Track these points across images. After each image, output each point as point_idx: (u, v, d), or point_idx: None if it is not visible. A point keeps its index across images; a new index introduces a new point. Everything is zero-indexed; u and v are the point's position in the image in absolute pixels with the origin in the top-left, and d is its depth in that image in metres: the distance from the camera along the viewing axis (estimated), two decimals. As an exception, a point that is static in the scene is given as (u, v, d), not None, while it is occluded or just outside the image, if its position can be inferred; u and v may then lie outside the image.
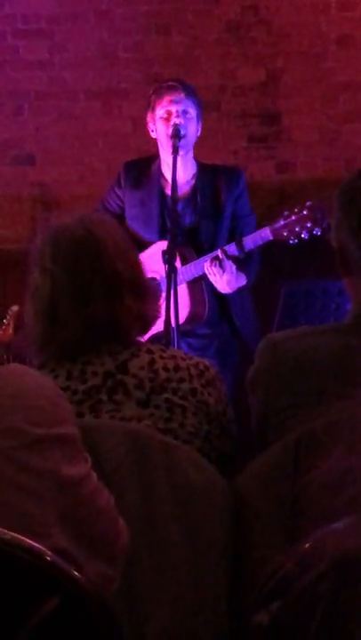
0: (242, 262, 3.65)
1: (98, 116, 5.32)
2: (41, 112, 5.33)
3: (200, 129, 3.76)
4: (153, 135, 3.78)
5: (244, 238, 3.59)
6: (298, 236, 3.54)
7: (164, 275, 3.43)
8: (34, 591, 1.29)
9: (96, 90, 5.32)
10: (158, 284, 3.63)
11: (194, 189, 3.79)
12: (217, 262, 3.55)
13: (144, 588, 1.62)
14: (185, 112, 3.66)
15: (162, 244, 3.64)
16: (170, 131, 3.61)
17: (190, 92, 3.71)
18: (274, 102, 5.25)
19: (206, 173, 3.81)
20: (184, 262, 3.65)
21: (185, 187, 3.77)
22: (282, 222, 3.56)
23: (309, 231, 3.53)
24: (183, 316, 3.56)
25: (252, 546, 1.66)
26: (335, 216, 1.88)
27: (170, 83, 3.72)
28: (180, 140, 3.60)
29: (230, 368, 3.70)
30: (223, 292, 3.65)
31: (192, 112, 3.68)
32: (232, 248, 3.59)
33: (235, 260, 3.59)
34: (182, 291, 3.58)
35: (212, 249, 3.65)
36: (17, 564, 1.28)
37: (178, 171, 3.56)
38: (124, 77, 5.29)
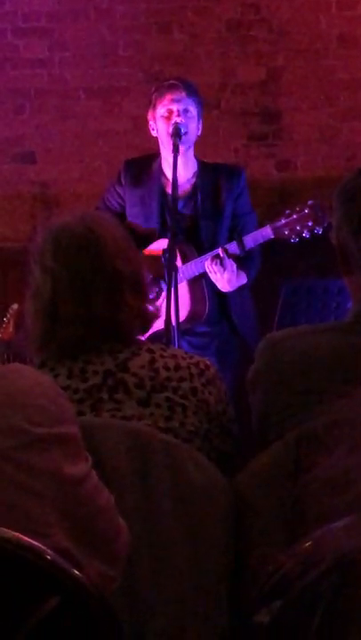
0: (242, 260, 3.65)
1: (98, 114, 5.32)
2: (41, 110, 5.33)
3: (201, 127, 3.76)
4: (154, 134, 3.78)
5: (244, 237, 3.59)
6: (299, 234, 3.54)
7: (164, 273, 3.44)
8: (34, 590, 1.29)
9: (96, 88, 5.31)
10: (159, 282, 3.63)
11: (194, 188, 3.79)
12: (218, 261, 3.56)
13: (144, 586, 1.62)
14: (186, 111, 3.66)
15: (163, 243, 3.64)
16: (170, 129, 3.62)
17: (191, 91, 3.71)
18: (274, 100, 5.25)
19: (207, 172, 3.81)
20: (185, 260, 3.65)
21: (185, 185, 3.77)
22: (283, 221, 3.56)
23: (311, 230, 3.54)
24: (183, 314, 3.56)
25: (252, 544, 1.66)
26: (335, 215, 1.88)
27: (171, 81, 3.73)
28: (180, 139, 3.60)
29: (230, 367, 3.70)
30: (224, 290, 3.66)
31: (193, 111, 3.68)
32: (233, 246, 3.60)
33: (235, 258, 3.59)
34: (183, 289, 3.59)
35: (212, 247, 3.65)
36: (18, 563, 1.28)
37: (178, 169, 3.56)
38: (125, 75, 5.29)
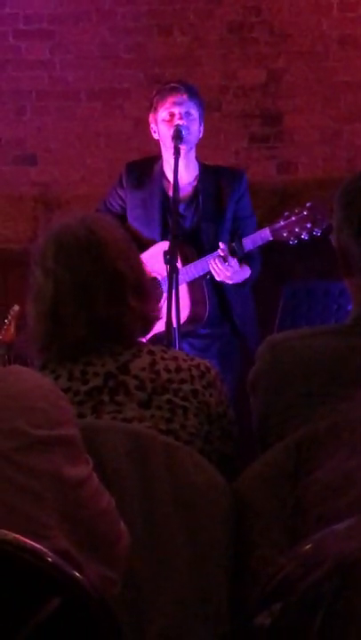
0: (242, 261, 3.65)
1: (99, 116, 5.32)
2: (42, 112, 5.33)
3: (202, 129, 3.76)
4: (155, 136, 3.78)
5: (243, 239, 3.59)
6: (298, 236, 3.54)
7: (165, 275, 3.44)
8: (35, 592, 1.29)
9: (98, 90, 5.32)
10: (159, 284, 3.63)
11: (196, 191, 3.79)
12: (221, 258, 3.56)
13: (145, 588, 1.62)
14: (188, 114, 3.66)
15: (163, 244, 3.64)
16: (172, 132, 3.62)
17: (193, 94, 3.71)
18: (275, 103, 5.25)
19: (208, 174, 3.81)
20: (185, 263, 3.65)
21: (187, 188, 3.78)
22: (282, 223, 3.56)
23: (309, 232, 3.53)
24: (183, 316, 3.56)
25: (253, 546, 1.66)
26: (336, 217, 1.88)
27: (173, 84, 3.73)
28: (181, 142, 3.60)
29: (231, 369, 3.70)
30: (229, 281, 3.65)
31: (194, 113, 3.69)
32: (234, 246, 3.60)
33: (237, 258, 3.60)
34: (183, 291, 3.59)
35: (213, 250, 3.65)
36: (18, 564, 1.28)
37: (180, 172, 3.56)
38: (126, 77, 5.29)
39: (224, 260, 3.54)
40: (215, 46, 5.26)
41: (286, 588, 1.34)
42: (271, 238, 3.57)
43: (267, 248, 3.79)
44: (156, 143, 3.81)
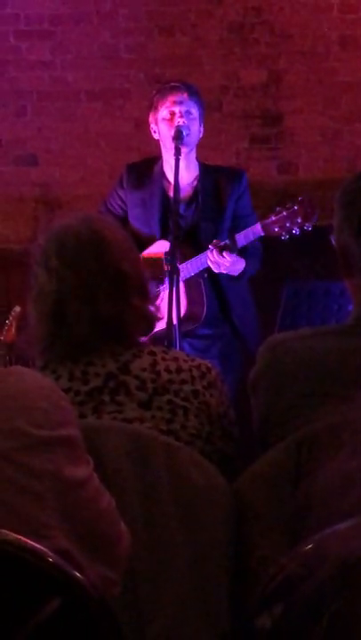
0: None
1: (100, 116, 5.33)
2: (43, 112, 5.34)
3: (203, 129, 3.76)
4: (155, 136, 3.78)
5: (236, 234, 3.59)
6: (289, 231, 3.54)
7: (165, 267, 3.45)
8: (35, 592, 1.29)
9: (98, 90, 5.32)
10: (158, 284, 3.64)
11: (196, 190, 3.80)
12: (217, 250, 3.55)
13: (145, 589, 1.62)
14: (188, 112, 3.66)
15: (163, 243, 3.64)
16: (172, 132, 3.62)
17: (193, 93, 3.71)
18: (276, 103, 5.25)
19: (208, 174, 3.81)
20: (183, 261, 3.65)
21: (187, 188, 3.78)
22: (273, 218, 3.56)
23: (300, 226, 3.53)
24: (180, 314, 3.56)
25: (253, 547, 1.66)
26: (336, 217, 1.88)
27: (173, 83, 3.73)
28: (182, 142, 3.61)
29: (232, 369, 3.70)
30: (226, 272, 3.65)
31: (195, 112, 3.69)
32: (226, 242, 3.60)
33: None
34: (180, 289, 3.59)
35: (212, 250, 3.65)
36: (19, 564, 1.28)
37: (180, 172, 3.56)
38: (127, 78, 5.30)
39: (220, 250, 3.53)
40: (216, 47, 5.26)
41: (287, 588, 1.34)
42: (263, 233, 3.57)
43: (268, 248, 3.80)
44: (157, 143, 3.81)
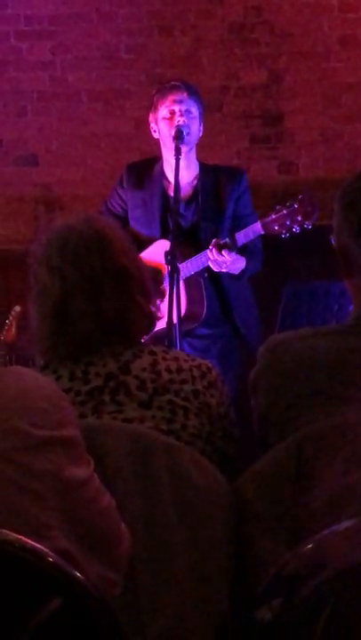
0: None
1: (100, 116, 5.33)
2: (44, 113, 5.34)
3: (202, 128, 3.77)
4: (155, 136, 3.78)
5: (236, 233, 3.59)
6: (289, 229, 3.54)
7: (165, 273, 3.45)
8: (36, 592, 1.29)
9: (99, 90, 5.32)
10: (163, 277, 3.65)
11: (196, 190, 3.80)
12: (217, 247, 3.55)
13: (145, 588, 1.62)
14: (188, 111, 3.67)
15: (163, 243, 3.65)
16: (173, 132, 3.62)
17: (193, 92, 3.72)
18: (276, 103, 5.25)
19: (208, 174, 3.81)
20: (183, 260, 3.65)
21: (187, 188, 3.78)
22: (273, 216, 3.56)
23: (300, 224, 3.54)
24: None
25: (253, 547, 1.66)
26: (336, 218, 1.88)
27: (173, 83, 3.73)
28: (182, 142, 3.61)
29: (232, 369, 3.70)
30: (229, 271, 3.65)
31: (195, 111, 3.69)
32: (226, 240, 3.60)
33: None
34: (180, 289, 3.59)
35: (212, 249, 3.65)
36: (19, 564, 1.28)
37: (180, 171, 3.57)
38: (127, 78, 5.30)
39: (220, 249, 3.53)
40: (216, 47, 5.26)
41: (288, 584, 1.34)
42: (263, 232, 3.57)
43: (268, 248, 3.80)
44: (157, 143, 3.82)
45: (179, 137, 3.61)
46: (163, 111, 3.69)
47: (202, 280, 3.74)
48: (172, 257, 3.37)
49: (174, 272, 3.34)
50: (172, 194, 3.60)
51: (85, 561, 1.37)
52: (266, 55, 5.25)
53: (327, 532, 1.38)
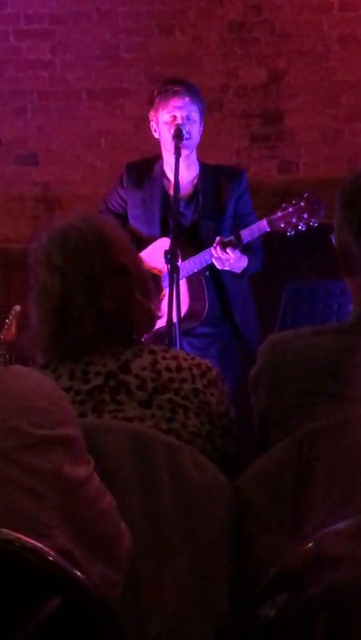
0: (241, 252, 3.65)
1: (100, 115, 5.33)
2: (43, 112, 5.34)
3: (202, 129, 3.77)
4: (155, 135, 3.78)
5: (241, 231, 3.59)
6: (295, 227, 3.55)
7: (165, 271, 3.45)
8: (36, 591, 1.29)
9: (99, 90, 5.32)
10: (160, 281, 3.64)
11: (196, 189, 3.80)
12: (221, 245, 3.56)
13: (146, 587, 1.62)
14: (189, 117, 3.67)
15: (164, 241, 3.65)
16: (172, 131, 3.63)
17: (195, 96, 3.71)
18: (276, 102, 5.25)
19: (208, 173, 3.82)
20: (184, 259, 3.65)
21: (187, 187, 3.78)
22: (279, 214, 3.57)
23: (307, 222, 3.54)
24: (182, 311, 3.56)
25: (254, 546, 1.66)
26: (336, 217, 1.88)
27: (175, 88, 3.70)
28: (182, 141, 3.61)
29: (231, 368, 3.71)
30: (232, 269, 3.65)
31: (196, 116, 3.70)
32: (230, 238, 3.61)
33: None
34: (182, 287, 3.59)
35: (213, 247, 3.66)
36: (20, 563, 1.28)
37: (180, 171, 3.57)
38: (127, 77, 5.30)
39: (224, 246, 3.54)
40: (216, 46, 5.26)
41: (291, 581, 1.34)
42: (268, 229, 3.57)
43: (268, 246, 3.80)
44: (157, 142, 3.82)
45: (178, 136, 3.61)
46: (164, 116, 3.68)
47: (203, 278, 3.74)
48: (172, 256, 3.38)
49: (174, 271, 3.35)
50: (172, 193, 3.60)
51: (86, 560, 1.37)
52: (266, 54, 5.24)
53: (328, 530, 1.38)
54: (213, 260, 3.59)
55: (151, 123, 3.78)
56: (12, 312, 3.93)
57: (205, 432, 1.90)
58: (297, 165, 5.27)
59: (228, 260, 3.56)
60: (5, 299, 4.81)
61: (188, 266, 3.64)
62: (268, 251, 3.82)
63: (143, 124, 4.07)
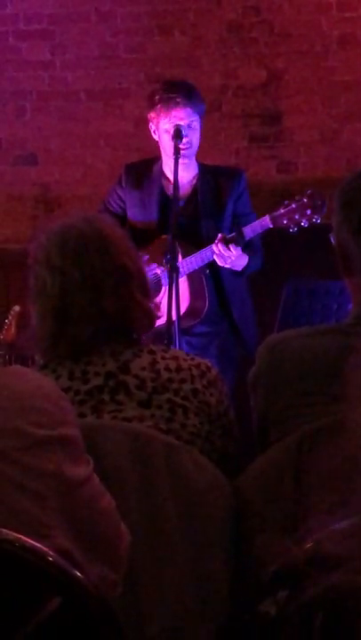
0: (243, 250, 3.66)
1: (100, 116, 5.33)
2: (43, 112, 5.34)
3: (200, 132, 3.78)
4: (155, 136, 3.78)
5: (244, 227, 3.60)
6: (298, 224, 3.55)
7: (165, 271, 3.45)
8: (36, 591, 1.30)
9: (98, 90, 5.32)
10: (160, 279, 3.65)
11: (195, 190, 3.81)
12: (223, 242, 3.56)
13: (145, 588, 1.62)
14: (190, 126, 3.67)
15: (164, 240, 3.65)
16: (172, 131, 3.63)
17: (196, 105, 3.69)
18: (275, 102, 5.25)
19: (207, 174, 3.82)
20: (184, 255, 3.66)
21: (186, 187, 3.79)
22: (282, 211, 3.57)
23: (309, 219, 3.55)
24: (182, 309, 3.57)
25: (253, 546, 1.66)
26: (335, 217, 1.88)
27: (178, 99, 3.67)
28: (181, 140, 3.61)
29: (230, 367, 3.71)
30: (232, 267, 3.65)
31: (196, 125, 3.70)
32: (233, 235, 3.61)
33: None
34: (182, 284, 3.60)
35: (212, 246, 3.66)
36: (19, 564, 1.28)
37: (180, 172, 3.57)
38: (126, 77, 5.30)
39: (226, 243, 3.54)
40: (215, 46, 5.26)
41: (292, 578, 1.34)
42: (271, 226, 3.58)
43: (268, 246, 3.80)
44: (156, 142, 3.82)
45: (178, 136, 3.61)
46: (165, 125, 3.67)
47: (203, 276, 3.74)
48: (172, 256, 3.38)
49: (173, 271, 3.35)
50: (170, 193, 3.60)
51: (85, 560, 1.37)
52: (265, 54, 5.25)
53: (327, 530, 1.38)
54: (215, 257, 3.59)
55: (150, 124, 3.78)
56: (12, 312, 3.93)
57: (205, 432, 1.90)
58: (296, 165, 5.27)
59: (230, 256, 3.56)
60: (5, 299, 4.81)
61: (189, 263, 3.65)
62: (268, 250, 3.82)
63: (142, 125, 4.07)
